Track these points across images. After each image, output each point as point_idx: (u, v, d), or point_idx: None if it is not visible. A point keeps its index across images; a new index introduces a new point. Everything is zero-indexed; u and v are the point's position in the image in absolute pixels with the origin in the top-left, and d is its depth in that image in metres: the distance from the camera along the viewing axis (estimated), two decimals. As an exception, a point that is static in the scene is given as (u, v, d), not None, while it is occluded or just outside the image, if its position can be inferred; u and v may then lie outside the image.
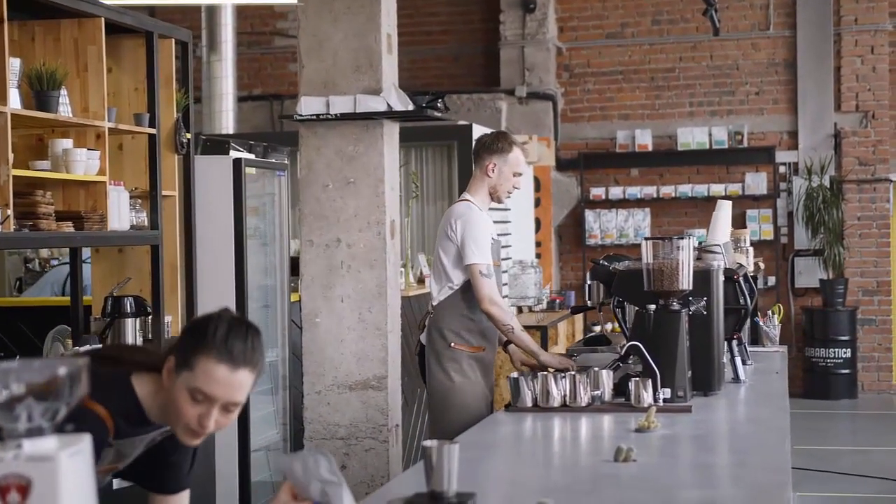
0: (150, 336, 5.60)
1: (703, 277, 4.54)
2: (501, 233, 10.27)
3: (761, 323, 6.43)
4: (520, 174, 5.35)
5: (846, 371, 12.32)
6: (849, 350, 12.30)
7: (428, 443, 2.74)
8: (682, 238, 4.41)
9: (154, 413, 2.72)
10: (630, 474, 3.16)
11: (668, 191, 12.80)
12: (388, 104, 5.89)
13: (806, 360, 12.46)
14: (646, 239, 4.46)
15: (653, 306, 4.40)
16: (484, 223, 5.21)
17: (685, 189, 12.77)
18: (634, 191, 12.89)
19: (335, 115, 5.87)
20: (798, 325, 12.70)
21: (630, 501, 2.92)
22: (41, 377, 1.75)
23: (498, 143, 5.32)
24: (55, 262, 8.49)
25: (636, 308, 4.55)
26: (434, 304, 5.30)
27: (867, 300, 12.63)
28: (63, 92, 4.88)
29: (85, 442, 1.77)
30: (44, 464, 1.71)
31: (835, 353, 12.28)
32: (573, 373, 4.32)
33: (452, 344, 5.20)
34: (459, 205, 5.31)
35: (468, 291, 5.17)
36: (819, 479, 8.65)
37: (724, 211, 5.56)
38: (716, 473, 3.29)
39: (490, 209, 5.29)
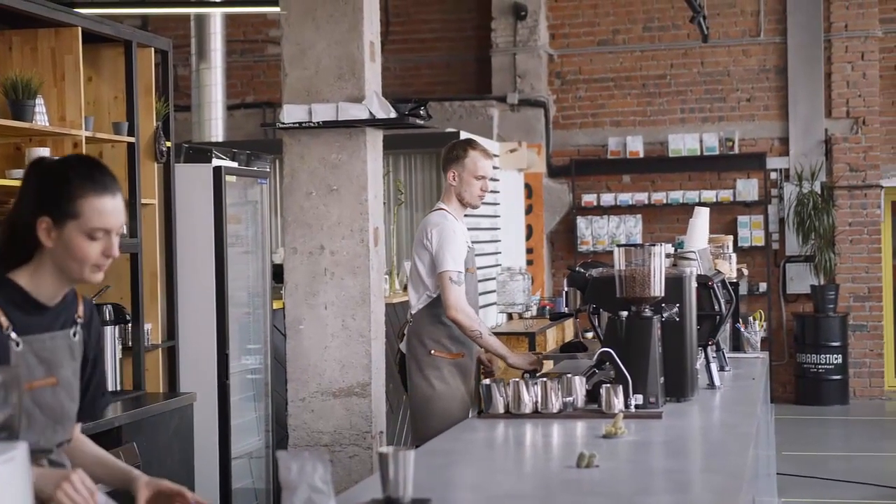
0: (129, 344, 5.61)
1: (675, 284, 4.55)
2: (491, 239, 10.32)
3: (742, 329, 6.43)
4: (482, 177, 5.37)
5: (837, 377, 12.32)
6: (840, 356, 12.30)
7: (383, 449, 2.76)
8: (654, 245, 4.43)
9: (46, 293, 2.74)
10: (591, 480, 3.17)
11: (659, 197, 12.82)
12: (371, 112, 5.91)
13: (797, 366, 12.47)
14: (618, 246, 4.48)
15: (625, 313, 4.41)
16: (458, 231, 5.27)
17: (676, 195, 12.79)
18: (626, 197, 12.91)
19: (318, 122, 5.89)
20: (789, 331, 12.71)
21: (585, 507, 2.94)
22: (-26, 385, 1.77)
23: (453, 151, 5.42)
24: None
25: (609, 314, 4.56)
26: (413, 312, 5.37)
27: (858, 306, 12.64)
28: (39, 101, 4.90)
29: (20, 450, 1.79)
30: (-25, 470, 1.72)
31: (826, 359, 12.28)
32: (545, 379, 4.33)
33: (432, 351, 5.26)
34: (434, 214, 5.39)
35: None
36: (808, 484, 8.66)
37: (702, 218, 5.58)
38: (674, 479, 3.29)
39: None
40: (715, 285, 5.01)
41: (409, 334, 5.37)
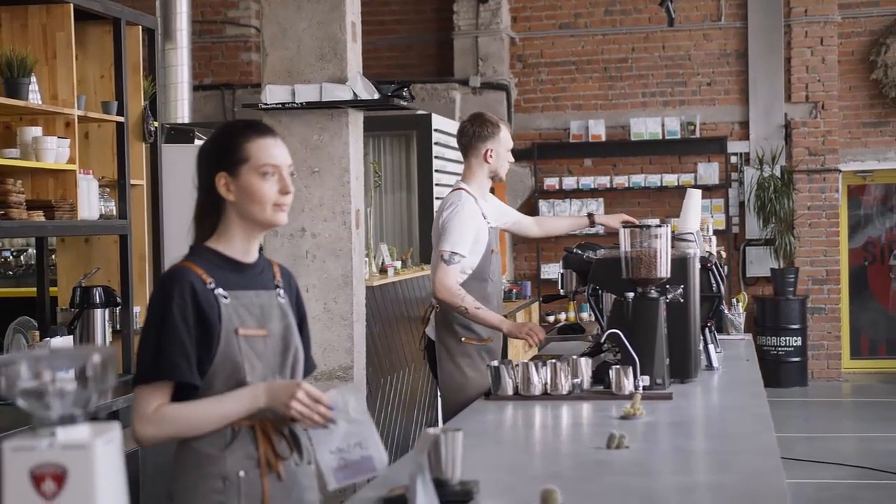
0: (118, 327, 5.52)
1: (680, 265, 4.55)
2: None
3: (726, 311, 6.47)
4: (511, 149, 5.44)
5: (796, 359, 12.47)
6: (799, 338, 12.44)
7: (432, 430, 2.74)
8: (661, 226, 4.43)
9: (238, 249, 2.89)
10: (625, 460, 3.17)
11: (621, 181, 12.87)
12: (354, 93, 5.86)
13: (757, 348, 12.51)
14: (624, 226, 4.47)
15: (631, 294, 4.41)
16: (473, 212, 5.16)
17: (638, 179, 12.84)
18: (588, 181, 12.94)
19: (301, 103, 5.83)
20: (749, 314, 12.81)
21: (628, 487, 2.93)
22: (73, 364, 1.73)
23: (487, 128, 5.33)
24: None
25: (614, 296, 4.55)
26: (439, 297, 5.15)
27: (817, 289, 12.78)
28: (33, 79, 4.80)
29: (116, 430, 1.75)
30: (79, 451, 1.69)
31: (785, 341, 12.42)
32: (554, 361, 4.31)
33: (463, 339, 5.16)
34: (453, 193, 5.29)
35: (473, 283, 5.13)
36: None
37: (695, 199, 5.59)
38: (708, 459, 3.30)
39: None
40: (713, 266, 5.03)
41: (437, 321, 5.21)
